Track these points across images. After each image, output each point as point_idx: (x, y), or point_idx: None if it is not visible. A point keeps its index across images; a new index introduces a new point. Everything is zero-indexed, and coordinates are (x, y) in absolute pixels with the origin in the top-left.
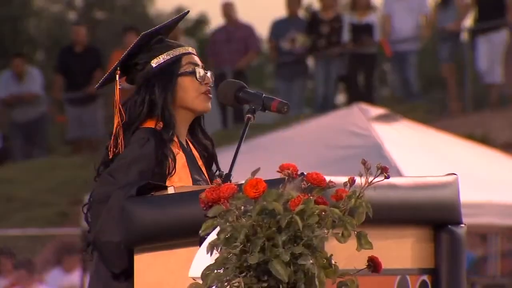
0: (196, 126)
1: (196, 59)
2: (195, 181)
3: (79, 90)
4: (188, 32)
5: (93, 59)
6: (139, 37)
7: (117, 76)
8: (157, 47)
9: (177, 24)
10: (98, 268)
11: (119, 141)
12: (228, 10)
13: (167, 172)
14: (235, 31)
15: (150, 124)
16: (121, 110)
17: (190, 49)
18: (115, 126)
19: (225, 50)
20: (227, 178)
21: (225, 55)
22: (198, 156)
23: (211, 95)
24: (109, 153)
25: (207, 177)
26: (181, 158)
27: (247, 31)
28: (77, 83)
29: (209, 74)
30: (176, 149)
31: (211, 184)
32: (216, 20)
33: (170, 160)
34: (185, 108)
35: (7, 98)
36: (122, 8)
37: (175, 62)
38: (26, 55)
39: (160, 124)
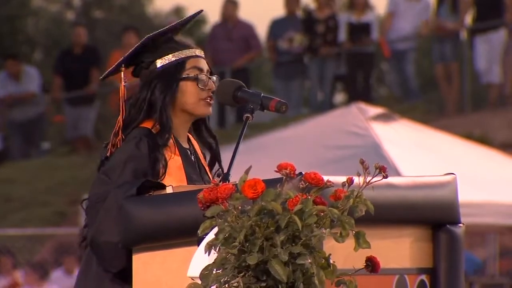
0: (200, 124)
1: (202, 63)
2: (191, 182)
3: (77, 90)
4: (186, 31)
5: (91, 59)
6: (146, 36)
7: (122, 73)
8: (164, 47)
9: (188, 23)
10: (87, 267)
11: (118, 139)
12: (229, 8)
13: (159, 175)
14: (235, 29)
15: (148, 124)
16: (123, 108)
17: (198, 52)
18: (117, 124)
19: (224, 48)
20: (225, 177)
21: (225, 53)
22: (202, 155)
23: (212, 101)
24: (108, 151)
25: (210, 176)
26: (176, 161)
27: (248, 30)
28: (75, 83)
29: (214, 79)
30: (169, 153)
31: None
32: (215, 20)
33: (161, 165)
34: (184, 111)
35: (5, 97)
36: (121, 7)
37: (179, 65)
38: (20, 56)
39: (157, 126)
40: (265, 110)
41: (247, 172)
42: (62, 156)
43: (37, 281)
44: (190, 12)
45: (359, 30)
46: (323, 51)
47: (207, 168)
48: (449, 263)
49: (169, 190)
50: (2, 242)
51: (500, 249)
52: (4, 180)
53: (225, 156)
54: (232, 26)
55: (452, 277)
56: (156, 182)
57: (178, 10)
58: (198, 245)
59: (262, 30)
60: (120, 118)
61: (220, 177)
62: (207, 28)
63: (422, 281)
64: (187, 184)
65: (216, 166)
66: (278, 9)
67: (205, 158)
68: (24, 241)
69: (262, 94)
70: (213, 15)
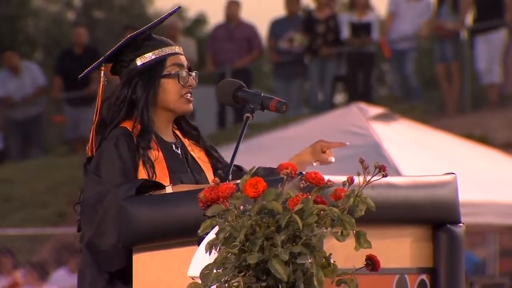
0: (180, 120)
1: (182, 59)
2: (174, 174)
3: (77, 91)
4: (187, 31)
5: (91, 59)
6: (128, 36)
7: (102, 72)
8: (144, 45)
9: (165, 19)
10: (86, 268)
11: (92, 140)
12: (232, 8)
13: (147, 177)
14: (237, 30)
15: (127, 124)
16: (98, 110)
17: (177, 49)
18: (93, 125)
19: (226, 48)
20: (225, 177)
21: (227, 54)
22: (198, 148)
23: (192, 98)
24: (88, 151)
25: (201, 165)
26: (156, 156)
27: (250, 30)
28: (75, 84)
29: (193, 75)
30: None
31: (209, 167)
32: (215, 20)
33: (148, 166)
34: (165, 109)
35: (9, 95)
36: (121, 7)
37: (160, 62)
38: (18, 50)
39: (138, 127)
40: (265, 110)
41: (249, 173)
42: (62, 156)
43: (37, 281)
44: (190, 12)
45: (360, 30)
46: (324, 51)
47: (199, 160)
48: (449, 263)
49: (168, 190)
50: (2, 242)
51: (500, 249)
52: (4, 180)
53: (225, 156)
54: (234, 27)
55: (452, 277)
56: (156, 182)
57: (178, 11)
58: (199, 245)
59: (262, 30)
60: (95, 116)
61: (220, 177)
62: (208, 28)
63: (422, 281)
64: (169, 176)
65: (220, 161)
66: (278, 9)
67: (207, 153)
68: (24, 241)
69: (262, 94)
70: (214, 15)
